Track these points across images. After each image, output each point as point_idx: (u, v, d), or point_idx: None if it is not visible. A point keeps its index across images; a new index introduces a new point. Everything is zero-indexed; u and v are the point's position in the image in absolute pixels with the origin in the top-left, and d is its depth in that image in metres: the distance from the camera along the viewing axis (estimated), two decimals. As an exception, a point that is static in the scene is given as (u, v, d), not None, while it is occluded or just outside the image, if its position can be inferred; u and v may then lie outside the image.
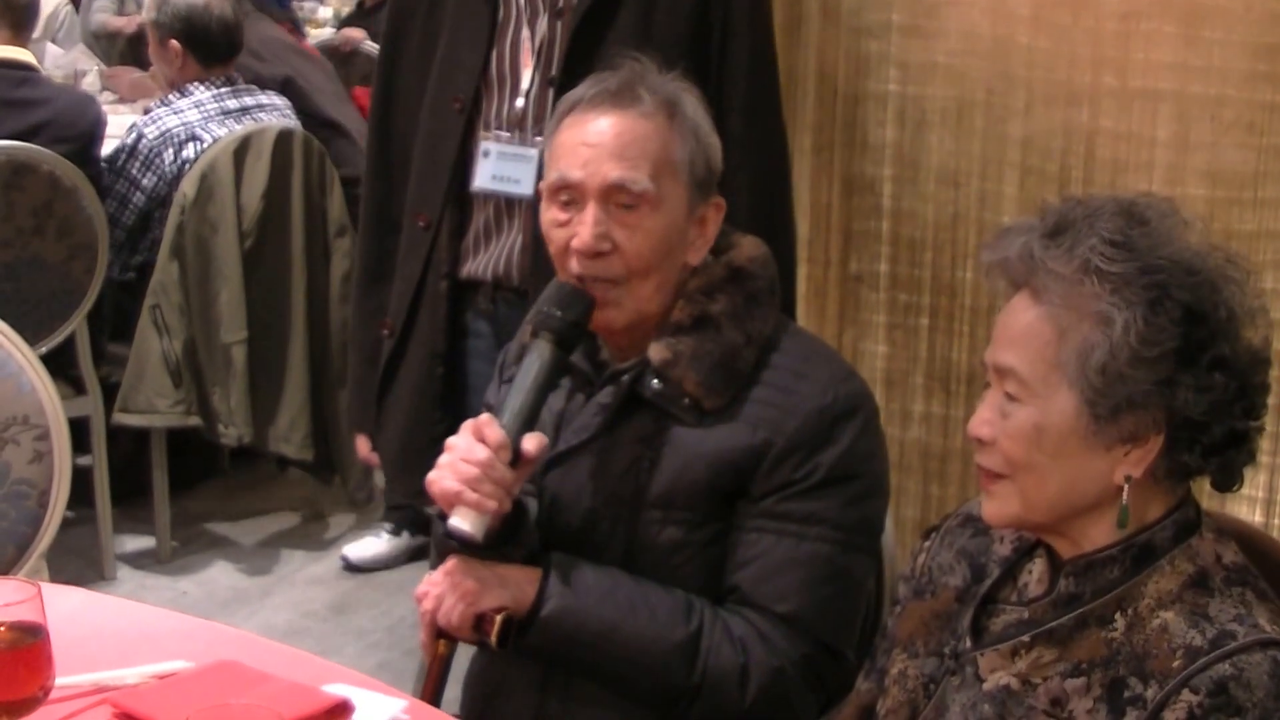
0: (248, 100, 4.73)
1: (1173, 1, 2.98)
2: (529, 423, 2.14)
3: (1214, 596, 1.71)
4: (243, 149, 4.47)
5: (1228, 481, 1.79)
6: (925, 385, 3.43)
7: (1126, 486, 1.74)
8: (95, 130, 4.55)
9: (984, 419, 1.80)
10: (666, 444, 2.19)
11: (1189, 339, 1.71)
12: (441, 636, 2.23)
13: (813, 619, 2.17)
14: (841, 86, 3.47)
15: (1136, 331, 1.69)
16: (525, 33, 2.76)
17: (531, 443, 2.12)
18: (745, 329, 2.20)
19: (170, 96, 4.69)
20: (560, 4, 2.75)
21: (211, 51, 4.70)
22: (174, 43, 4.69)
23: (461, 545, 2.14)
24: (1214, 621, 1.68)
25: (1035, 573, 1.86)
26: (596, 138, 2.17)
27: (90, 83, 5.57)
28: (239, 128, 4.60)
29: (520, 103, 2.77)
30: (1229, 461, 1.77)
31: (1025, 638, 1.79)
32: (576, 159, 2.17)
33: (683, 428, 2.19)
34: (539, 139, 2.71)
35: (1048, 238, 1.75)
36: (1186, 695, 1.63)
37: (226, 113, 4.66)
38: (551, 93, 2.71)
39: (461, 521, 2.09)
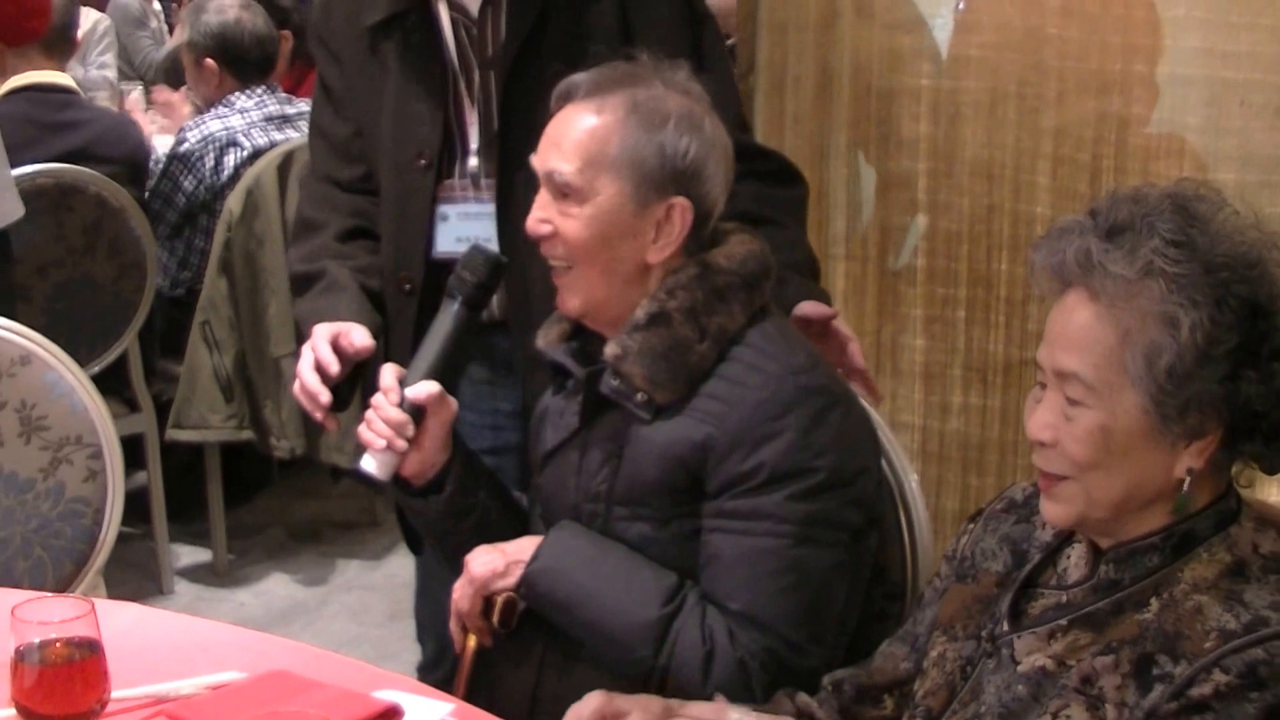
0: (289, 109, 4.78)
1: (1201, -13, 2.99)
2: (430, 374, 2.33)
3: (1250, 583, 1.72)
4: (286, 164, 4.50)
5: (1278, 464, 1.80)
6: (963, 377, 3.44)
7: (1188, 479, 1.75)
8: (137, 151, 4.62)
9: (1045, 422, 1.80)
10: (629, 441, 2.24)
11: (1252, 333, 1.72)
12: (467, 630, 2.34)
13: (766, 614, 2.17)
14: (875, 82, 3.48)
15: (1204, 331, 1.70)
16: (463, 87, 2.66)
17: (416, 390, 2.31)
18: (701, 324, 2.21)
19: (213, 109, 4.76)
20: (489, 54, 2.64)
21: (247, 66, 4.75)
22: (210, 61, 4.75)
23: (372, 487, 2.41)
24: (1249, 607, 1.69)
25: (1074, 557, 1.88)
26: (553, 127, 2.27)
27: (136, 99, 5.60)
28: (280, 136, 4.65)
29: (473, 161, 2.67)
30: None
31: (1063, 621, 1.81)
32: (539, 146, 2.29)
33: (641, 425, 2.23)
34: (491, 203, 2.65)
35: (1105, 239, 1.75)
36: (1217, 675, 1.64)
37: (269, 119, 4.71)
38: (497, 147, 2.62)
39: (366, 463, 2.34)
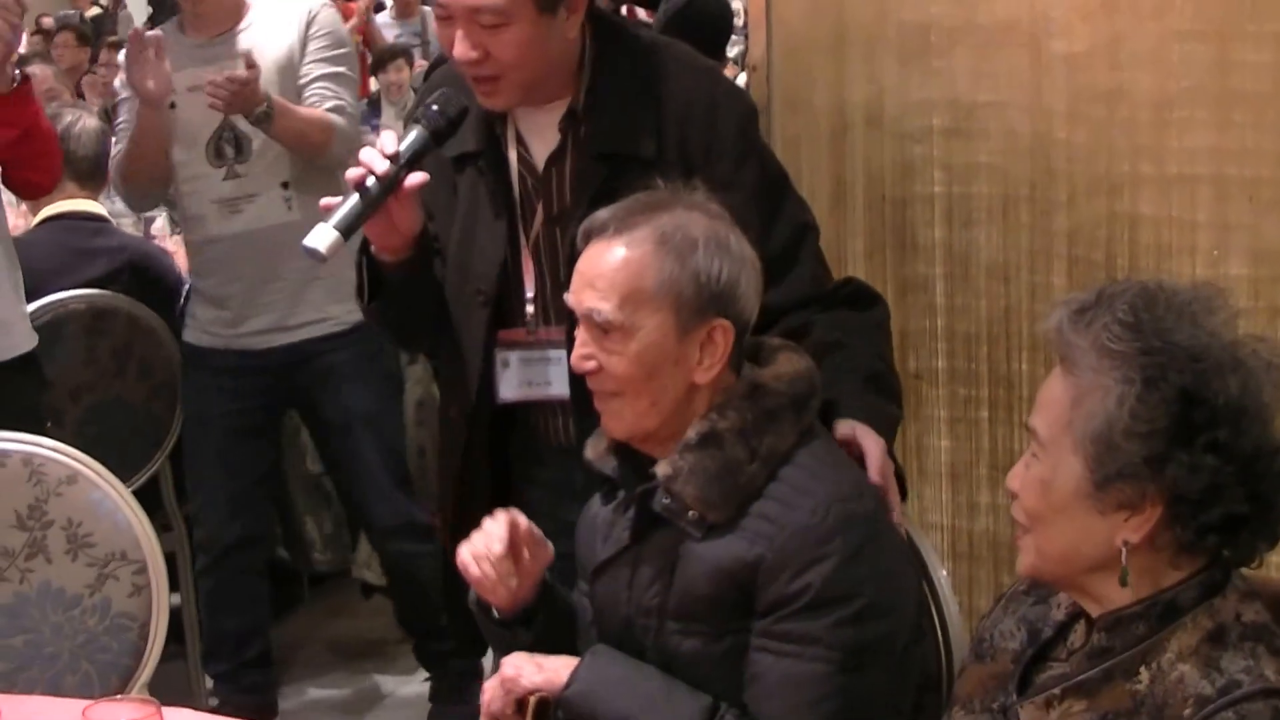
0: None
1: (1204, 88, 3.05)
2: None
3: (1228, 650, 1.80)
4: (314, 283, 4.56)
5: (1243, 558, 1.88)
6: (989, 476, 3.48)
7: (1124, 550, 1.84)
8: (167, 276, 4.70)
9: (1016, 472, 1.94)
10: (681, 558, 2.27)
11: (1183, 420, 1.80)
12: None
13: None
14: (889, 191, 3.56)
15: (1130, 406, 1.80)
16: (520, 235, 2.71)
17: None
18: (751, 445, 2.24)
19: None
20: (555, 210, 2.68)
21: None
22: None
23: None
24: (1224, 672, 1.77)
25: (1078, 630, 1.96)
26: (584, 264, 2.29)
27: (159, 227, 5.69)
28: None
29: (529, 309, 2.71)
30: (1236, 541, 1.85)
31: (1056, 690, 1.89)
32: (572, 284, 2.31)
33: (693, 542, 2.25)
34: (556, 348, 2.66)
35: (1076, 313, 1.87)
36: None
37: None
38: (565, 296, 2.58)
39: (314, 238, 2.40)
